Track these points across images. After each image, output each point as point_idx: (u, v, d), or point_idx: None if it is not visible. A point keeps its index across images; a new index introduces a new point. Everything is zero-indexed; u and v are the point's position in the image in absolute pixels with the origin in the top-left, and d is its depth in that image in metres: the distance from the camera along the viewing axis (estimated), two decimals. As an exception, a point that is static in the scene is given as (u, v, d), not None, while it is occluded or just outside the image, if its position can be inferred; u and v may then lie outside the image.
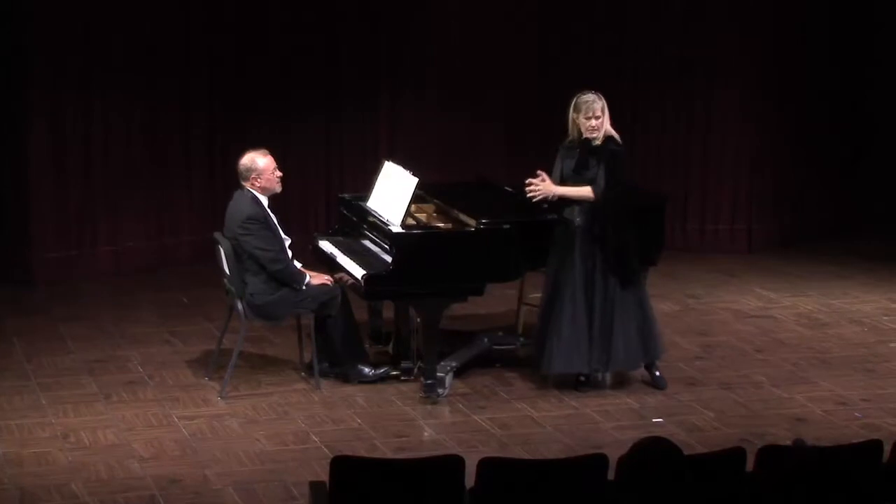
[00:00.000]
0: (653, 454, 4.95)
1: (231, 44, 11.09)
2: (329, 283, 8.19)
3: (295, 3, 11.31)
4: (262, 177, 8.11)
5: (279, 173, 8.19)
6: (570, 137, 8.00)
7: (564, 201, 7.97)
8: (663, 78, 11.56)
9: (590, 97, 7.87)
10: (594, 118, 7.84)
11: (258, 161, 8.13)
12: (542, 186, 7.93)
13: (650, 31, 11.68)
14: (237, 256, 8.05)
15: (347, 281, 8.18)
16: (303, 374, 8.42)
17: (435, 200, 8.68)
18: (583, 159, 7.94)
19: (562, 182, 7.96)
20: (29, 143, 10.47)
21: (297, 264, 8.23)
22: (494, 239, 8.04)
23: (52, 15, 10.39)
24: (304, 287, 8.09)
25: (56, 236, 10.63)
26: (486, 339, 8.81)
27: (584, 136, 7.90)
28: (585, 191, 7.89)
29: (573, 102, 7.92)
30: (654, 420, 7.78)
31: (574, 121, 7.93)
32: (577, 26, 11.76)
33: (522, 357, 8.76)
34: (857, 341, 9.30)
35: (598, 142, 7.90)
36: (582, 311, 7.95)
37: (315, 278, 8.17)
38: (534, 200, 7.95)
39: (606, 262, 7.92)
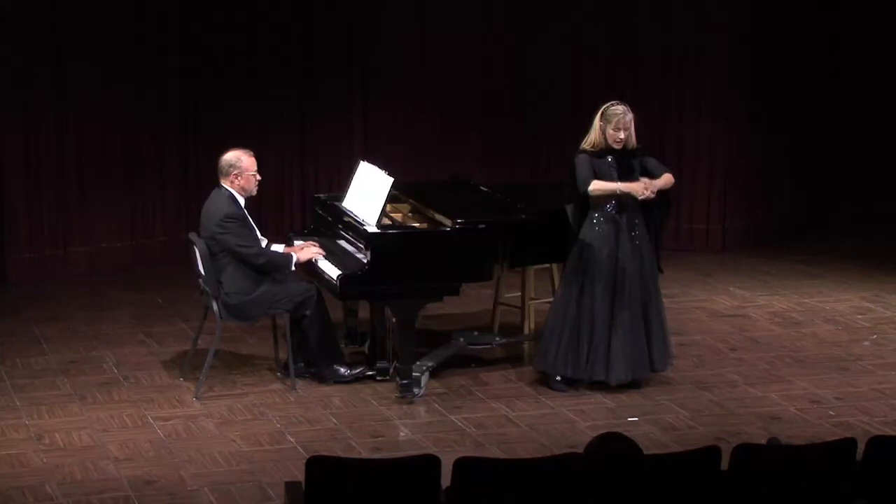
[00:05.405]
0: (607, 453, 4.93)
1: (204, 44, 11.07)
2: (318, 253, 8.17)
3: (268, 3, 11.30)
4: (242, 175, 8.09)
5: (258, 177, 8.19)
6: (594, 144, 8.02)
7: (600, 201, 8.04)
8: (637, 79, 11.58)
9: (619, 109, 7.96)
10: (623, 130, 7.94)
11: (243, 159, 8.12)
12: (650, 188, 7.98)
13: (625, 32, 11.71)
14: (212, 256, 8.03)
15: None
16: (278, 374, 8.41)
17: (410, 200, 8.68)
18: (624, 165, 8.02)
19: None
20: (2, 143, 10.43)
21: (280, 247, 8.24)
22: (470, 239, 8.04)
23: (26, 14, 10.35)
24: (293, 268, 8.10)
25: (29, 237, 10.59)
26: (461, 339, 8.82)
27: (610, 145, 7.97)
28: (671, 178, 8.08)
29: (602, 112, 7.99)
30: (629, 419, 7.80)
31: (601, 129, 7.99)
32: (552, 26, 11.78)
33: (498, 357, 8.78)
34: (831, 340, 9.35)
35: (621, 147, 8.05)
36: (638, 312, 8.05)
37: (301, 252, 8.18)
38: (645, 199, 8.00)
39: (643, 252, 8.06)
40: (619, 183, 7.95)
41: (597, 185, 7.95)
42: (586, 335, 8.05)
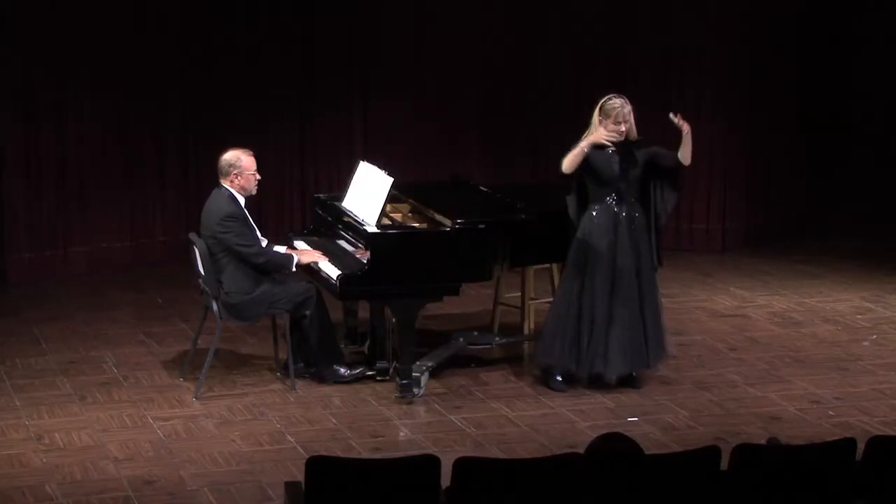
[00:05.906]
0: (608, 453, 4.93)
1: (204, 45, 11.07)
2: (320, 259, 8.16)
3: (268, 3, 11.30)
4: (241, 175, 8.09)
5: (258, 176, 8.19)
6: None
7: (599, 194, 8.00)
8: (637, 79, 11.57)
9: (617, 103, 7.95)
10: (623, 123, 7.93)
11: (242, 158, 8.12)
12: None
13: (624, 32, 11.72)
14: (212, 256, 8.03)
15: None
16: (278, 374, 8.41)
17: (410, 200, 8.68)
18: (625, 158, 7.98)
19: (611, 182, 7.96)
20: (2, 143, 10.43)
21: (282, 248, 8.24)
22: (470, 239, 8.04)
23: (26, 14, 10.35)
24: (294, 269, 8.10)
25: (29, 237, 10.59)
26: (461, 339, 8.82)
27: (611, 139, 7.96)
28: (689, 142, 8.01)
29: (600, 106, 7.97)
30: (629, 419, 7.79)
31: (601, 124, 7.96)
32: (552, 26, 11.78)
33: (498, 357, 8.78)
34: (831, 340, 9.35)
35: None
36: (636, 308, 8.05)
37: (304, 255, 8.18)
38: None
39: (640, 248, 8.03)
40: (580, 143, 7.90)
41: (566, 161, 7.91)
42: (586, 332, 8.05)
